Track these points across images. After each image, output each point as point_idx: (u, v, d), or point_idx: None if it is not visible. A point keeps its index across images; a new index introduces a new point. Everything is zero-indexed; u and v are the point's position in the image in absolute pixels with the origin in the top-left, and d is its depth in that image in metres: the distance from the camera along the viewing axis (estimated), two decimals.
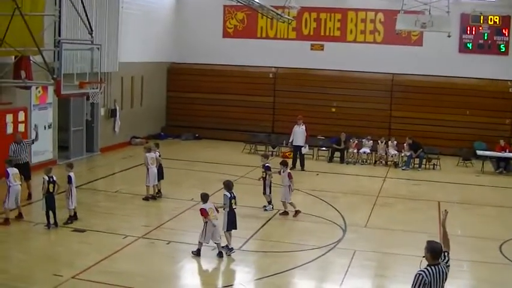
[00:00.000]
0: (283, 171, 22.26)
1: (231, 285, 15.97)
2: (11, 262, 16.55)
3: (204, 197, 17.75)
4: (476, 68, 36.22)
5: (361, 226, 21.26)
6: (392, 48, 37.48)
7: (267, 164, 23.00)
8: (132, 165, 29.93)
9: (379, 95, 37.73)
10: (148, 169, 23.45)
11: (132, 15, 34.70)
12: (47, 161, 26.92)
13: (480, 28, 36.58)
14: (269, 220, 21.41)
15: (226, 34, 40.76)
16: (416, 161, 32.84)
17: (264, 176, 22.73)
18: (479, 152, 33.41)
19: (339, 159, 33.69)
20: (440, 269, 10.18)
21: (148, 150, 24.10)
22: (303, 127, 31.06)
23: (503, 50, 36.39)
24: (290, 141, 31.48)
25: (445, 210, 11.18)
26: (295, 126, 31.22)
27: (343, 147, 33.77)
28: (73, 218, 20.02)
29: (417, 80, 37.23)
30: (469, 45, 36.84)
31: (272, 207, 22.60)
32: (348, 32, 38.86)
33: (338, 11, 38.87)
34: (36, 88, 27.25)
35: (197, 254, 17.53)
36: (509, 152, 32.52)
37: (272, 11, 31.74)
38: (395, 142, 33.72)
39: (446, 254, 10.52)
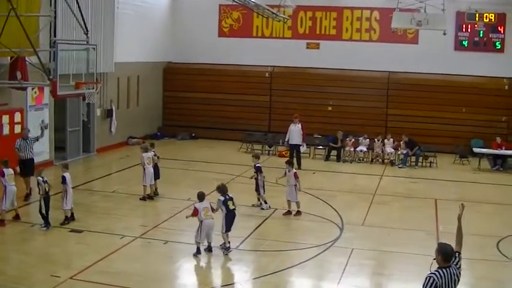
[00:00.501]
0: (289, 171, 22.19)
1: (229, 284, 15.96)
2: (8, 263, 16.54)
3: (201, 196, 17.84)
4: (472, 66, 36.23)
5: (358, 224, 21.27)
6: (388, 47, 37.50)
7: (257, 165, 22.96)
8: (128, 165, 29.92)
9: (375, 93, 37.75)
10: (144, 169, 23.46)
11: (127, 15, 34.68)
12: (43, 162, 26.89)
13: (475, 26, 36.59)
14: (266, 219, 21.41)
15: (221, 33, 40.76)
16: (413, 158, 32.86)
17: (256, 176, 22.67)
18: (475, 150, 33.42)
19: (335, 157, 33.71)
20: (452, 271, 9.87)
21: (145, 150, 24.12)
22: (299, 126, 31.05)
23: (499, 47, 36.41)
24: (286, 140, 31.49)
25: (462, 204, 10.86)
26: (291, 124, 31.22)
27: (339, 146, 33.79)
28: (70, 218, 20.00)
29: (413, 78, 37.24)
30: (465, 43, 36.86)
31: (269, 206, 22.57)
32: (343, 31, 38.87)
33: (333, 9, 38.88)
34: (32, 89, 27.23)
35: (197, 252, 17.57)
36: (505, 149, 32.55)
37: (267, 10, 31.73)
38: (391, 140, 33.73)
39: (457, 254, 10.20)
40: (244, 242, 18.92)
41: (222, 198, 18.10)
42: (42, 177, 19.58)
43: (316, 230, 20.57)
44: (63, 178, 19.97)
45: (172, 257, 17.66)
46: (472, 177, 30.51)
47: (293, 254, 18.09)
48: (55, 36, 26.11)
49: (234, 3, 30.71)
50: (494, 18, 36.20)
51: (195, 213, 17.52)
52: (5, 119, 25.96)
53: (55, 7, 25.52)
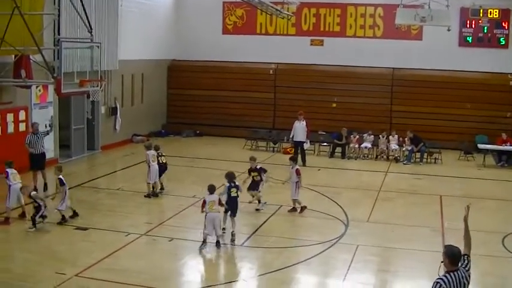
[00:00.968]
0: (292, 167, 22.06)
1: (234, 281, 15.96)
2: (14, 261, 16.58)
3: (211, 189, 18.17)
4: (476, 62, 36.21)
5: (363, 221, 21.25)
6: (392, 43, 37.46)
7: (259, 166, 22.66)
8: (133, 162, 29.93)
9: (379, 89, 37.72)
10: (149, 166, 23.47)
11: (131, 13, 34.68)
12: (48, 160, 26.84)
13: (480, 21, 36.54)
14: (271, 216, 21.39)
15: (225, 31, 40.76)
16: (418, 155, 32.85)
17: (259, 178, 22.28)
18: (480, 146, 33.40)
19: (340, 154, 33.69)
20: (460, 275, 9.56)
21: (149, 147, 24.11)
22: (304, 123, 31.04)
23: (503, 43, 36.36)
24: (291, 136, 31.47)
25: (468, 205, 10.69)
26: (296, 121, 31.20)
27: (344, 143, 33.76)
28: (74, 215, 20.01)
29: (417, 74, 37.23)
30: (469, 39, 36.83)
31: (265, 203, 22.43)
32: (347, 27, 38.86)
33: (337, 6, 38.85)
34: (37, 87, 27.26)
35: (203, 244, 17.83)
36: (510, 145, 32.49)
37: (271, 7, 31.66)
38: (396, 136, 33.70)
39: (466, 257, 9.87)
40: (249, 239, 18.92)
41: (228, 184, 18.89)
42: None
43: (321, 227, 20.55)
44: (61, 180, 19.89)
45: (177, 254, 17.66)
46: (476, 173, 30.49)
47: (298, 250, 18.09)
48: (59, 34, 26.10)
49: (238, 0, 30.70)
50: (499, 14, 36.13)
51: (203, 205, 17.87)
52: (10, 117, 25.98)
53: (59, 5, 25.54)
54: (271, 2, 31.64)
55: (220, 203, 18.07)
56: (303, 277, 16.39)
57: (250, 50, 39.62)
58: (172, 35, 40.62)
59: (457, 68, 36.61)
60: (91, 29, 24.71)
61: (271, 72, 39.55)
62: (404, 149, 33.18)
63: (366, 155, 33.84)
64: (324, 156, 33.76)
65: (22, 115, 26.68)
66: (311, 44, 39.28)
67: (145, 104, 38.20)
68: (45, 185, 24.25)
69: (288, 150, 33.19)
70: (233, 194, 18.90)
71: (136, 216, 21.10)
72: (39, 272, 15.52)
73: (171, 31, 40.53)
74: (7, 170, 19.88)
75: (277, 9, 32.37)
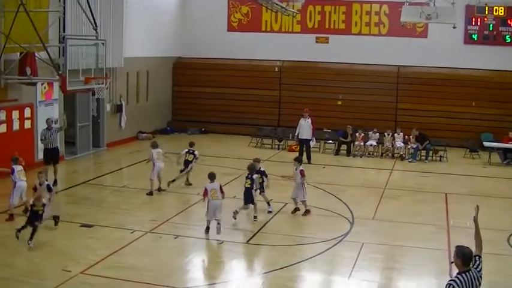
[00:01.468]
0: (296, 169, 21.64)
1: (239, 279, 15.96)
2: (18, 257, 16.56)
3: (211, 176, 19.28)
4: (482, 59, 36.16)
5: (369, 219, 21.24)
6: (398, 40, 37.44)
7: (262, 169, 22.28)
8: (138, 160, 29.94)
9: (384, 87, 37.70)
10: (154, 164, 23.50)
11: (136, 10, 34.69)
12: None
13: (485, 19, 36.48)
14: (276, 213, 21.38)
15: (231, 28, 40.76)
16: (423, 153, 32.81)
17: (261, 180, 21.80)
18: (486, 144, 33.35)
19: (345, 152, 33.68)
20: (472, 275, 9.57)
21: (155, 146, 24.12)
22: (309, 120, 31.01)
23: (509, 40, 36.29)
24: (296, 134, 31.44)
25: (477, 205, 10.64)
26: (301, 119, 31.17)
27: (349, 140, 33.74)
28: (55, 223, 19.49)
29: (423, 72, 37.19)
30: (475, 37, 36.77)
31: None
32: (352, 25, 38.83)
33: (343, 3, 38.83)
34: (42, 84, 27.26)
35: (206, 231, 18.83)
36: None
37: (276, 4, 31.67)
38: (401, 134, 33.67)
39: (477, 257, 9.88)
40: (254, 237, 18.91)
41: (248, 175, 20.63)
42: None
43: (327, 224, 20.54)
44: (49, 186, 19.64)
45: (182, 251, 17.66)
46: (482, 171, 30.44)
47: (303, 248, 18.08)
48: (64, 31, 26.14)
49: None
50: (504, 11, 36.07)
51: (205, 193, 18.97)
52: (15, 114, 26.01)
53: (64, 2, 25.46)
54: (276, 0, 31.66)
55: (221, 191, 19.16)
56: (308, 275, 16.39)
57: (256, 47, 39.63)
58: (178, 32, 40.64)
59: (462, 66, 36.58)
60: (96, 26, 24.78)
61: (276, 69, 39.54)
62: (409, 146, 33.13)
63: (371, 153, 33.83)
64: (329, 154, 33.74)
65: (27, 112, 26.70)
66: (316, 42, 39.27)
67: (150, 102, 38.23)
68: (55, 181, 24.31)
69: (293, 147, 33.19)
70: (246, 185, 20.44)
71: (142, 213, 21.11)
72: (44, 269, 15.57)
73: (177, 28, 40.54)
74: (13, 166, 19.87)
75: (282, 7, 32.38)
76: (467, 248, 9.72)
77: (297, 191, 21.51)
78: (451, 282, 9.47)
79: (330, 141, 34.79)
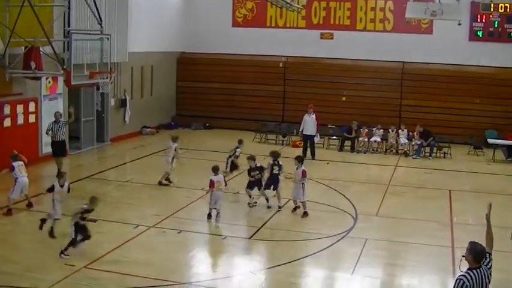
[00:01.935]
0: (297, 168, 21.16)
1: (242, 274, 15.99)
2: (23, 252, 16.61)
3: (215, 169, 20.14)
4: (487, 56, 36.09)
5: (372, 215, 21.25)
6: (402, 37, 37.39)
7: (259, 164, 22.17)
8: (142, 155, 29.98)
9: (389, 83, 37.65)
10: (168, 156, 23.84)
11: (141, 5, 34.69)
12: None
13: (490, 16, 36.38)
14: (278, 211, 21.36)
15: (235, 23, 40.74)
16: (427, 149, 32.76)
17: (260, 176, 21.86)
18: (490, 141, 33.33)
19: (349, 148, 33.66)
20: (482, 272, 9.50)
21: (175, 140, 24.31)
22: (313, 116, 30.99)
23: None
24: (300, 130, 31.42)
25: (490, 203, 10.62)
26: (306, 115, 31.15)
27: (353, 136, 33.72)
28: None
29: (427, 69, 37.14)
30: (479, 33, 36.69)
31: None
32: (357, 21, 38.78)
33: None
34: (46, 79, 27.29)
35: (208, 217, 19.96)
36: None
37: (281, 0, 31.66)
38: (405, 131, 33.63)
39: (488, 255, 9.79)
40: (257, 232, 18.94)
41: (271, 162, 21.59)
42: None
43: (330, 220, 20.56)
44: (69, 189, 19.35)
45: (186, 246, 17.69)
46: (486, 168, 30.42)
47: (307, 244, 18.11)
48: (69, 26, 26.18)
49: None
50: (509, 8, 35.90)
51: (211, 185, 19.75)
52: (20, 108, 26.04)
53: None
54: None
55: (225, 183, 20.65)
56: (312, 270, 16.41)
57: (260, 43, 39.60)
58: (182, 27, 40.61)
59: (467, 63, 36.51)
60: (101, 20, 24.79)
61: (280, 65, 39.51)
62: (413, 143, 33.11)
63: (375, 149, 33.81)
64: (333, 150, 33.74)
65: (32, 107, 26.73)
66: (321, 38, 39.22)
67: (154, 96, 38.23)
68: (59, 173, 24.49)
69: (297, 143, 33.18)
70: (275, 171, 21.45)
71: (145, 208, 21.14)
72: (48, 264, 15.57)
73: (181, 24, 40.52)
74: (13, 163, 19.92)
75: (287, 2, 32.31)
76: (480, 245, 9.68)
77: (296, 191, 21.12)
78: (461, 277, 9.45)
79: (334, 137, 34.76)
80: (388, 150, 33.62)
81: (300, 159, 21.67)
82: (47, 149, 27.09)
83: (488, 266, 9.68)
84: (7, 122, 25.30)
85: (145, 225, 18.95)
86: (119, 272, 15.12)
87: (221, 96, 39.80)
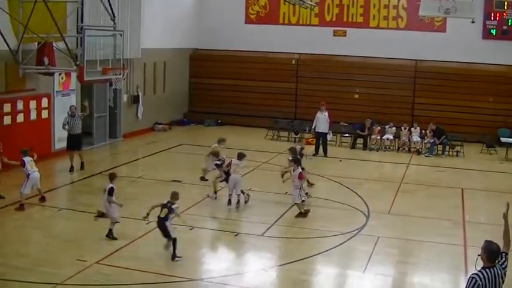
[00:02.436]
0: (294, 170, 20.65)
1: (254, 271, 15.99)
2: (34, 247, 16.68)
3: (240, 156, 21.51)
4: (500, 55, 35.91)
5: (385, 213, 21.21)
6: (416, 35, 37.25)
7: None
8: (154, 151, 30.01)
9: (402, 81, 37.54)
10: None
11: (154, 1, 34.72)
12: None
13: (504, 14, 36.21)
14: (292, 206, 21.28)
15: (248, 20, 40.71)
16: (440, 147, 32.66)
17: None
18: (503, 139, 33.20)
19: (361, 145, 33.59)
20: (496, 272, 9.41)
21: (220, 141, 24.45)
22: (326, 114, 30.97)
23: None
24: (313, 127, 31.40)
25: (508, 203, 10.52)
26: (318, 112, 31.14)
27: (366, 134, 33.65)
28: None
29: (440, 67, 37.01)
30: (493, 32, 36.52)
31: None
32: (370, 18, 38.69)
33: None
34: (60, 74, 27.36)
35: (228, 203, 20.94)
36: None
37: None
38: (418, 128, 33.54)
39: (504, 255, 9.66)
40: (270, 229, 18.93)
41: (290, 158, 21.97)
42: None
43: (342, 218, 20.54)
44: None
45: (198, 242, 17.71)
46: (498, 167, 30.29)
47: (319, 241, 18.09)
48: (82, 22, 26.17)
49: None
50: None
51: (229, 164, 21.22)
52: (33, 104, 26.10)
53: None
54: None
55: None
56: (323, 268, 16.40)
57: (273, 39, 39.53)
58: (195, 24, 40.62)
59: (480, 61, 36.34)
60: (114, 17, 24.81)
61: (293, 62, 39.45)
62: (426, 141, 33.02)
63: (387, 147, 33.73)
64: (345, 147, 33.69)
65: (45, 102, 26.79)
66: (334, 35, 39.14)
67: (167, 93, 38.25)
68: (82, 164, 25.52)
69: (310, 140, 33.11)
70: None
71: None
72: (60, 258, 15.63)
73: (194, 20, 40.52)
74: (23, 158, 20.01)
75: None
76: (496, 244, 9.60)
77: (293, 192, 20.60)
78: (474, 276, 9.39)
79: (347, 135, 34.71)
80: (400, 148, 33.52)
81: (295, 160, 21.10)
82: (59, 144, 27.20)
83: (503, 266, 9.58)
84: (20, 118, 25.35)
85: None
86: (131, 267, 15.15)
87: (234, 93, 39.79)
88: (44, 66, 23.79)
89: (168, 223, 16.34)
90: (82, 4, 25.28)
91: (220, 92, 39.96)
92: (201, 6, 40.95)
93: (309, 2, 33.63)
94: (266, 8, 40.28)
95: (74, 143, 25.49)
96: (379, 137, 33.67)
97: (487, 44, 36.49)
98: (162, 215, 16.38)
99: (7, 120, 24.68)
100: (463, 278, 14.89)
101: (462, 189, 25.00)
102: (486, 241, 9.70)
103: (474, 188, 25.31)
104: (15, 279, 14.21)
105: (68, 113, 25.37)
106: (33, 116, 26.10)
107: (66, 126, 25.17)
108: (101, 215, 17.79)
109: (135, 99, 34.49)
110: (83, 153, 26.30)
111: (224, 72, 40.00)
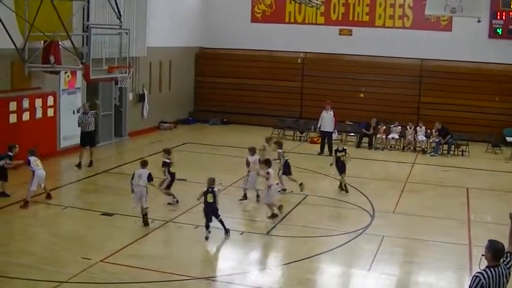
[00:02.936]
0: (268, 172, 19.98)
1: (259, 269, 15.99)
2: (40, 245, 16.70)
3: (252, 150, 22.06)
4: (506, 54, 35.83)
5: (390, 212, 21.19)
6: (421, 34, 37.21)
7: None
8: (160, 149, 29.90)
9: (407, 80, 37.51)
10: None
11: (160, 0, 34.71)
12: (75, 145, 27.00)
13: (510, 13, 36.13)
14: (297, 205, 21.36)
15: (254, 19, 40.70)
16: (445, 147, 32.62)
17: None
18: (508, 139, 33.17)
19: (366, 144, 33.56)
20: (500, 271, 9.35)
21: (280, 145, 24.18)
22: (331, 113, 30.96)
23: None
24: (318, 126, 31.39)
25: None
26: (323, 111, 31.13)
27: (371, 133, 33.62)
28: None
29: (446, 66, 36.94)
30: (499, 31, 36.44)
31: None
32: (376, 17, 38.65)
33: None
34: (65, 73, 27.38)
35: (244, 198, 21.56)
36: None
37: None
38: (423, 128, 33.51)
39: (508, 254, 9.62)
40: (275, 228, 18.92)
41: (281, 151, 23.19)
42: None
43: (347, 217, 20.57)
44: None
45: (202, 241, 17.65)
46: (504, 166, 30.22)
47: (324, 240, 18.07)
48: (88, 20, 26.25)
49: None
50: None
51: (247, 163, 21.57)
52: (38, 102, 26.12)
53: None
54: None
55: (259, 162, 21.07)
56: (328, 267, 16.39)
57: (279, 38, 39.52)
58: (201, 22, 40.63)
59: (486, 60, 36.29)
60: (120, 15, 24.82)
61: (299, 61, 39.44)
62: (431, 140, 32.99)
63: (392, 146, 33.70)
64: (350, 146, 33.51)
65: (50, 101, 26.81)
66: (340, 34, 39.11)
67: (172, 91, 38.26)
68: (91, 162, 25.88)
69: (315, 139, 33.12)
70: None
71: (162, 202, 21.11)
72: (65, 256, 15.64)
73: (200, 19, 40.53)
74: (29, 157, 20.14)
75: None
76: (501, 243, 9.55)
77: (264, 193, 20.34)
78: (478, 274, 9.34)
79: (352, 134, 34.69)
80: (405, 148, 33.49)
81: (266, 162, 20.44)
82: (65, 143, 27.26)
83: (508, 266, 9.54)
84: (26, 116, 25.38)
85: (162, 219, 18.98)
86: (136, 266, 15.16)
87: (239, 92, 39.79)
88: (49, 64, 23.84)
89: (217, 206, 17.72)
90: (88, 2, 25.36)
91: (226, 90, 39.97)
92: (207, 4, 40.96)
93: (315, 1, 33.61)
94: (272, 7, 40.27)
95: (87, 139, 25.95)
96: (384, 136, 33.66)
97: (493, 43, 36.42)
98: (210, 200, 17.53)
99: (13, 118, 24.70)
100: (468, 277, 14.84)
101: (467, 188, 24.95)
102: (490, 240, 9.64)
103: (479, 188, 25.26)
104: (20, 277, 14.23)
105: (80, 111, 25.67)
106: (38, 114, 26.12)
107: (82, 124, 25.73)
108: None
109: (140, 98, 34.51)
110: (95, 150, 26.54)
111: (230, 71, 40.01)
